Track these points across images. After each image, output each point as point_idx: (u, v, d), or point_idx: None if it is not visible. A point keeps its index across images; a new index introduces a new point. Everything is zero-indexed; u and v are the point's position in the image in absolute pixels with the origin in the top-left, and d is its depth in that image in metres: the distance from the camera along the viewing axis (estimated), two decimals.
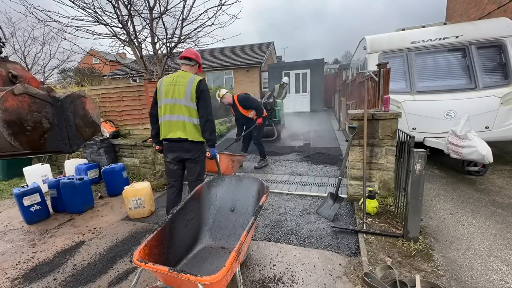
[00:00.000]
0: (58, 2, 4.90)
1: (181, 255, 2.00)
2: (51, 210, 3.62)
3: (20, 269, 2.39)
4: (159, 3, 5.46)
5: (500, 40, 4.31)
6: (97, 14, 5.20)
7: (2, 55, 1.89)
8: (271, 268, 2.16)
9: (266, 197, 2.06)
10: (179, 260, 1.98)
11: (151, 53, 6.04)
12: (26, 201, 3.25)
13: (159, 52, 6.02)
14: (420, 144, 4.16)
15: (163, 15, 5.54)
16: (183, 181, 2.76)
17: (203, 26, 5.85)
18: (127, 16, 5.37)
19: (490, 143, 3.50)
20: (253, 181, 2.42)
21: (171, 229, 1.92)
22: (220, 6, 5.54)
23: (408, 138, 2.45)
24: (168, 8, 5.52)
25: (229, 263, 1.41)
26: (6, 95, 1.49)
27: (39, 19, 5.16)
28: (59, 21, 5.16)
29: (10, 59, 1.94)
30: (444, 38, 4.61)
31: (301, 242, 2.50)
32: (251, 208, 2.28)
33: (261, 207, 1.94)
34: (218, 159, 2.81)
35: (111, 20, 5.38)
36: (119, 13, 5.28)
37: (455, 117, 4.14)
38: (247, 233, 1.65)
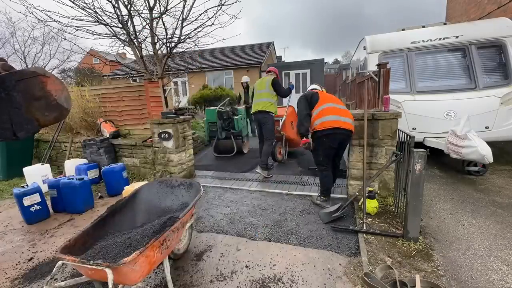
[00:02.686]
0: (58, 2, 4.91)
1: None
2: (51, 210, 3.62)
3: (20, 269, 2.39)
4: (159, 3, 5.47)
5: (500, 40, 4.31)
6: (97, 14, 5.20)
7: None
8: (271, 268, 2.16)
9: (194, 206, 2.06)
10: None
11: (151, 53, 6.04)
12: (26, 201, 3.25)
13: (159, 52, 6.03)
14: (420, 144, 4.16)
15: (163, 15, 5.55)
16: None
17: (203, 26, 5.87)
18: (127, 16, 5.38)
19: (490, 143, 3.50)
20: (190, 186, 2.41)
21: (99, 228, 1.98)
22: (220, 6, 5.55)
23: (408, 138, 2.45)
24: (168, 8, 5.53)
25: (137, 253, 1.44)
26: None
27: (39, 19, 5.16)
28: (59, 21, 5.17)
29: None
30: (444, 38, 4.61)
31: (301, 242, 2.50)
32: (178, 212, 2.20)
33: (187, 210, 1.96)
34: None
35: (111, 20, 5.39)
36: (119, 13, 5.28)
37: (455, 117, 4.14)
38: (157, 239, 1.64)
